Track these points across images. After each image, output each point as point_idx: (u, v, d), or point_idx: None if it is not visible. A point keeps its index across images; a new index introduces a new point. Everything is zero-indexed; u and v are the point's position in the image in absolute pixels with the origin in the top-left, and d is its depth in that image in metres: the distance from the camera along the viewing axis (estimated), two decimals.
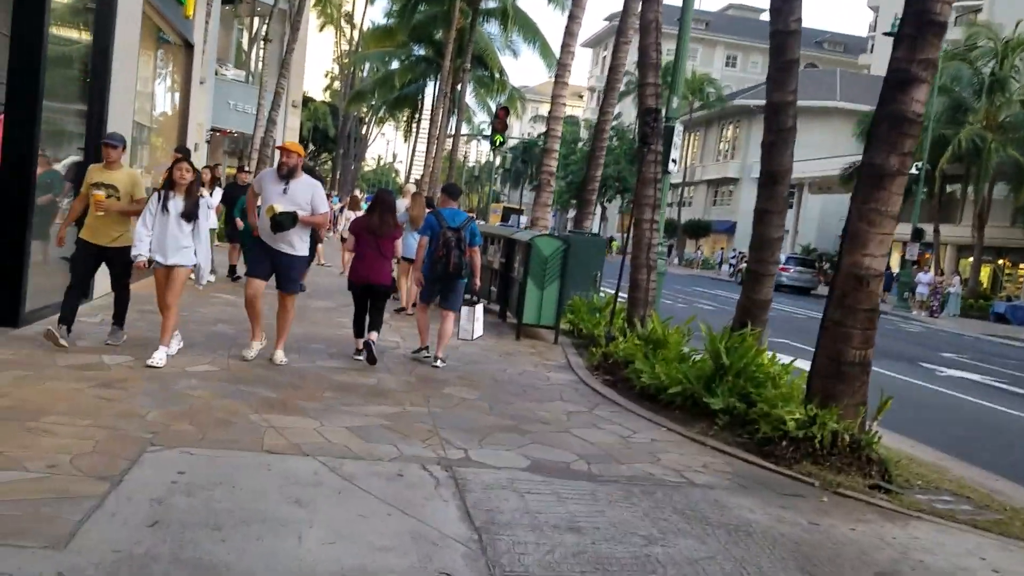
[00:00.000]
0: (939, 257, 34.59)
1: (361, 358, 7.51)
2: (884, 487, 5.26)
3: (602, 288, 11.93)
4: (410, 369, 7.42)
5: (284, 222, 6.73)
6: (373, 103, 44.75)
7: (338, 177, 55.45)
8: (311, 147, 63.91)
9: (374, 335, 7.53)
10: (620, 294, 10.19)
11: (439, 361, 7.76)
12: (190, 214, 6.48)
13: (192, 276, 6.85)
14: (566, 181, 59.81)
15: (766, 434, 5.79)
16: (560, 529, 3.93)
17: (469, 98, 37.83)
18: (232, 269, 12.61)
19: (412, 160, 53.06)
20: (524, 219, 39.64)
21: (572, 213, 60.75)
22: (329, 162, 62.86)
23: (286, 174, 6.89)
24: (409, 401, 6.15)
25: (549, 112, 15.75)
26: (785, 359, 6.95)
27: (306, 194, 6.96)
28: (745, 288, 7.20)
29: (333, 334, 8.71)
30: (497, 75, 36.76)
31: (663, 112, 9.44)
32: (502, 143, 20.29)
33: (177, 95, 15.43)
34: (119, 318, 6.87)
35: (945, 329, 24.03)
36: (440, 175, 38.33)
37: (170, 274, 6.49)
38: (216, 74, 34.29)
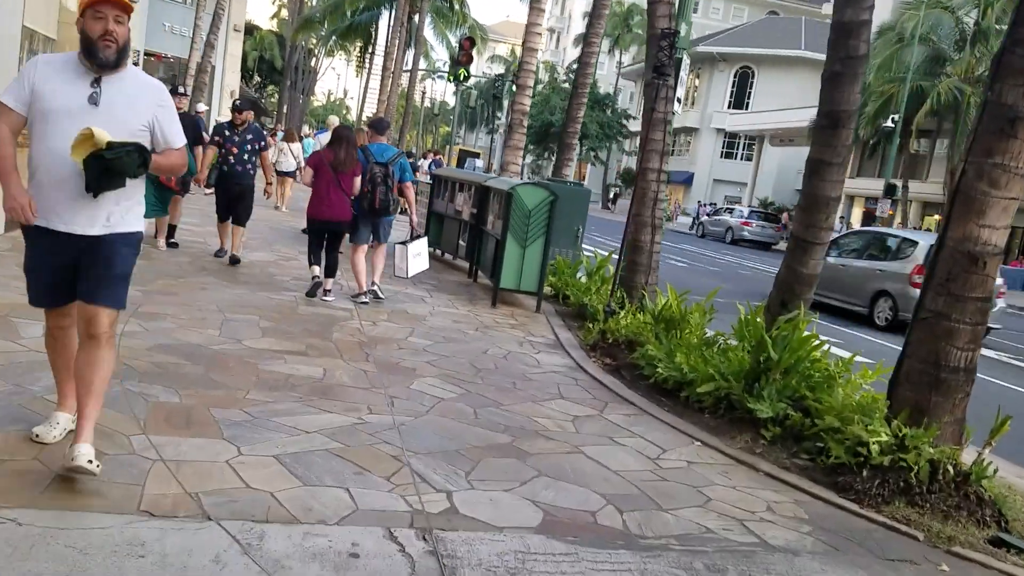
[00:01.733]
0: (906, 214, 33.90)
1: (330, 298, 7.54)
2: (1008, 542, 3.92)
3: (584, 246, 10.43)
4: (364, 348, 5.85)
5: (117, 166, 3.03)
6: (323, 32, 41.89)
7: (285, 111, 52.49)
8: (256, 78, 60.57)
9: (330, 282, 7.60)
10: (608, 255, 8.72)
11: (378, 290, 7.85)
12: None
13: None
14: (505, 127, 57.79)
15: (838, 459, 4.40)
16: None
17: (427, 31, 35.43)
18: (171, 230, 9.11)
19: (365, 96, 50.41)
20: (479, 163, 37.67)
21: (529, 159, 58.83)
22: (276, 95, 59.67)
23: (105, 59, 3.10)
24: (367, 405, 4.58)
25: (523, 43, 13.95)
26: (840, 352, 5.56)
27: (142, 105, 3.24)
28: (788, 258, 5.75)
29: (267, 301, 7.06)
30: (457, 5, 34.37)
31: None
32: (466, 78, 18.42)
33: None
34: None
35: None
36: (396, 113, 36.11)
37: None
38: None
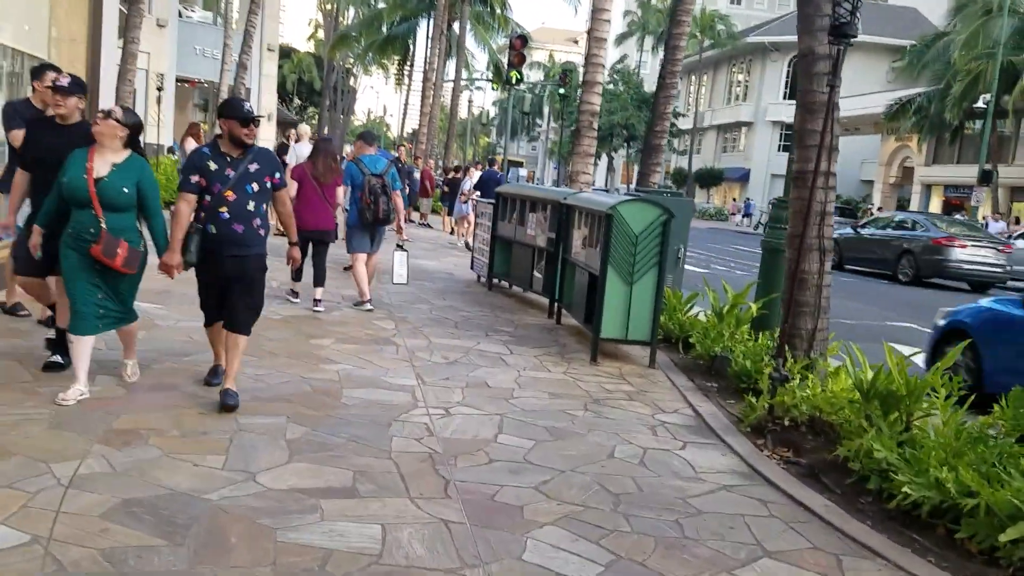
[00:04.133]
0: (996, 200, 30.95)
1: (296, 300, 7.71)
2: None
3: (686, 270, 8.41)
4: (440, 467, 3.91)
5: None
6: (359, 50, 40.50)
7: (325, 132, 51.39)
8: (296, 101, 59.74)
9: (319, 292, 7.65)
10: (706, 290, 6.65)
11: (369, 304, 7.87)
12: None
13: None
14: (571, 130, 55.90)
15: None
16: None
17: (468, 39, 33.69)
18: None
19: (406, 111, 49.01)
20: (523, 172, 35.41)
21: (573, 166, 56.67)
22: (316, 117, 58.85)
23: None
24: None
25: (589, 32, 12.00)
26: None
27: None
28: None
29: (300, 385, 5.18)
30: (499, 10, 32.56)
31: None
32: (519, 80, 16.50)
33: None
34: None
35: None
36: (438, 127, 34.53)
37: None
38: (180, 16, 30.21)
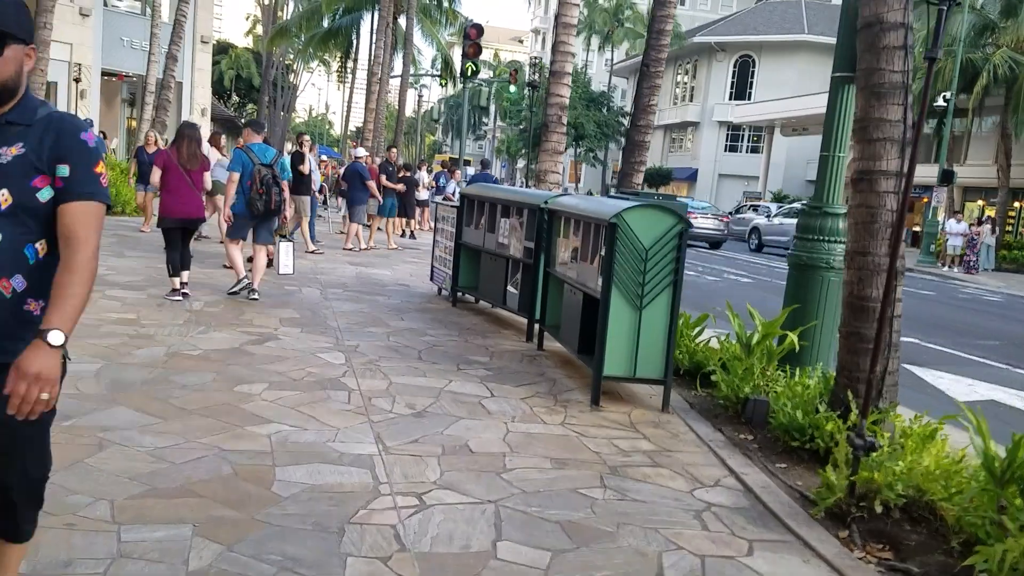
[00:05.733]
0: (952, 199, 30.74)
1: (178, 298, 7.44)
2: None
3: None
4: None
5: None
6: (300, 43, 38.55)
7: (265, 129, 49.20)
8: (234, 97, 57.33)
9: (186, 275, 7.57)
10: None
11: (256, 293, 7.79)
12: None
13: None
14: (520, 129, 54.95)
15: None
16: None
17: (415, 33, 32.12)
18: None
19: (350, 108, 47.16)
20: (470, 170, 33.76)
21: (520, 163, 55.42)
22: (255, 113, 56.53)
23: None
24: None
25: (557, 17, 10.78)
26: None
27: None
28: None
29: (216, 462, 3.82)
30: (446, 3, 31.08)
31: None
32: (475, 72, 15.18)
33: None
34: None
35: (1003, 290, 20.04)
36: (385, 124, 32.86)
37: None
38: (106, 4, 28.01)
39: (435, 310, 8.51)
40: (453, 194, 13.66)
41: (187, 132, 7.78)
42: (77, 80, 21.00)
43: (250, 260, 8.02)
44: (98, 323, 6.22)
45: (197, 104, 29.25)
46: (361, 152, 13.95)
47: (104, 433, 3.92)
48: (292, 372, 5.42)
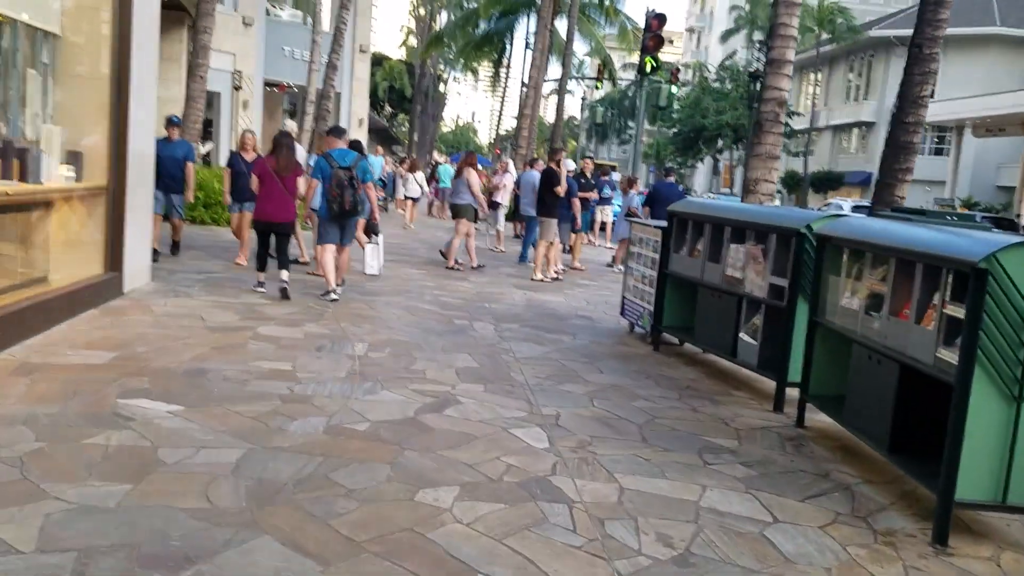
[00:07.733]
0: None
1: (263, 290, 7.90)
2: None
3: None
4: None
5: None
6: (452, 52, 38.11)
7: (415, 139, 49.52)
8: (388, 108, 58.25)
9: (284, 274, 7.86)
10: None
11: (339, 290, 8.08)
12: None
13: None
14: (673, 132, 52.62)
15: None
16: None
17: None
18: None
19: (502, 113, 46.53)
20: (616, 176, 31.68)
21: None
22: (406, 123, 57.25)
23: None
24: None
25: None
26: None
27: None
28: None
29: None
30: (607, 1, 29.37)
31: None
32: (655, 68, 13.49)
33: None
34: None
35: None
36: (537, 132, 31.67)
37: None
38: (268, 14, 28.36)
39: (635, 357, 6.92)
40: (638, 209, 11.98)
41: (284, 141, 8.06)
42: (237, 88, 20.95)
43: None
44: (245, 378, 5.05)
45: (355, 114, 29.06)
46: (571, 165, 12.50)
47: None
48: (486, 464, 3.97)
